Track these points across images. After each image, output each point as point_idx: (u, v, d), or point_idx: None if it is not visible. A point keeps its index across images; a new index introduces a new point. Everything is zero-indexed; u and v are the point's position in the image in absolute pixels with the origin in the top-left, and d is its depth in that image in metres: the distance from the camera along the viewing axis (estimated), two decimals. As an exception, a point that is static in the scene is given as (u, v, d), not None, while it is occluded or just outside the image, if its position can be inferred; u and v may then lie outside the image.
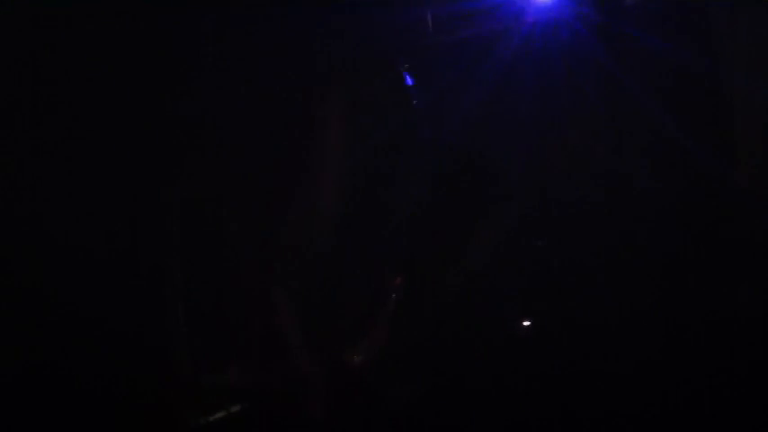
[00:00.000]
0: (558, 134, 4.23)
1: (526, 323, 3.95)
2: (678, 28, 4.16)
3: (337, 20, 3.68)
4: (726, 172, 4.12)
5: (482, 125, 4.06)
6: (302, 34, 3.77)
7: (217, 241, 4.13)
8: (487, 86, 4.07)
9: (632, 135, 4.23)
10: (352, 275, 3.42)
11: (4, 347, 3.83)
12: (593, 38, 4.13)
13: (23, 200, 3.94)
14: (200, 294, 4.11)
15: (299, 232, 3.55)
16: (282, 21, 3.82)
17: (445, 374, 3.42)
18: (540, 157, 4.20)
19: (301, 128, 3.53)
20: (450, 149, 3.63)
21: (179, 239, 4.17)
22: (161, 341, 4.08)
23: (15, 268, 3.90)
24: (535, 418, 3.63)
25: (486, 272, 3.58)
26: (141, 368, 3.98)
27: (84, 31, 3.92)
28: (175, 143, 4.16)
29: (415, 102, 3.76)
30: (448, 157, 3.58)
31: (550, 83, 4.13)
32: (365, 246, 3.39)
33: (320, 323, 3.47)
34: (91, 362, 3.95)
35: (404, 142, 3.52)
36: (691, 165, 4.12)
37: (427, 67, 4.07)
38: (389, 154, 3.48)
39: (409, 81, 3.82)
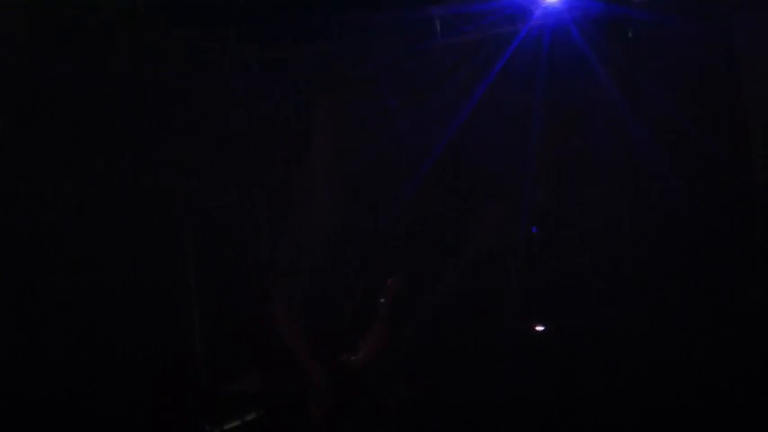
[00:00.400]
0: (571, 135, 4.20)
1: (539, 327, 3.94)
2: (696, 28, 4.12)
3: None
4: (741, 171, 4.07)
5: (490, 127, 4.06)
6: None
7: (225, 251, 4.18)
8: (495, 89, 4.06)
9: (647, 135, 4.19)
10: (351, 279, 3.42)
11: (19, 350, 3.86)
12: (605, 38, 4.10)
13: (43, 207, 3.98)
14: (208, 301, 4.15)
15: (299, 239, 3.56)
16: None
17: (446, 376, 3.40)
18: (551, 159, 4.17)
19: (298, 137, 3.56)
20: (453, 152, 3.61)
21: (190, 249, 4.23)
22: (170, 347, 4.11)
23: (31, 273, 3.95)
24: (537, 421, 3.61)
25: (489, 274, 3.55)
26: (152, 374, 4.02)
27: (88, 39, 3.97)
28: (184, 154, 4.22)
29: (413, 105, 3.77)
30: (450, 159, 3.56)
31: (560, 84, 4.11)
32: (363, 250, 3.38)
33: (320, 327, 3.48)
34: (105, 366, 3.99)
35: (400, 146, 3.52)
36: (706, 165, 4.07)
37: (433, 69, 4.08)
38: (384, 158, 3.47)
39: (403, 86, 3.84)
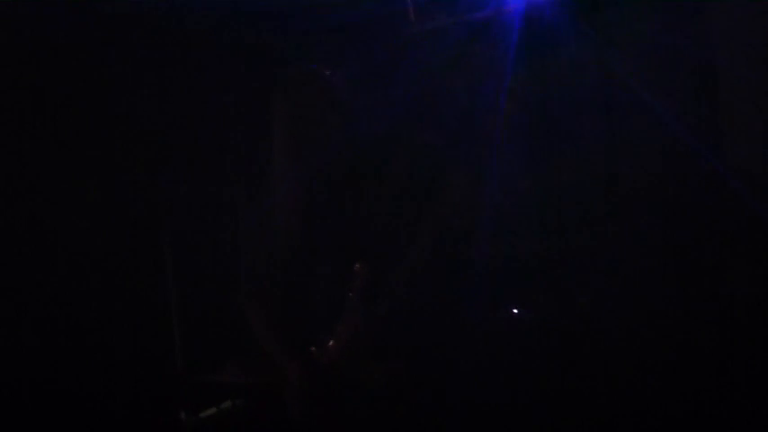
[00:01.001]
0: (544, 120, 4.20)
1: (515, 311, 3.96)
2: (671, 15, 4.10)
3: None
4: (717, 160, 4.06)
5: (463, 117, 4.06)
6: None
7: (203, 239, 4.19)
8: (468, 78, 4.06)
9: (624, 124, 4.18)
10: (320, 268, 3.42)
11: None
12: (578, 24, 4.09)
13: (20, 199, 3.99)
14: (185, 289, 4.17)
15: (274, 228, 3.56)
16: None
17: (421, 358, 3.40)
18: (528, 148, 4.18)
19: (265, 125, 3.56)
20: (419, 136, 3.60)
21: (167, 236, 4.24)
22: (146, 335, 4.13)
23: (11, 267, 3.96)
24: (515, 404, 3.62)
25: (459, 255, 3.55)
26: (128, 361, 4.04)
27: (82, 30, 3.98)
28: (166, 144, 4.23)
29: (385, 91, 3.77)
30: (415, 143, 3.55)
31: (532, 69, 4.11)
32: (335, 237, 3.38)
33: (291, 318, 3.48)
34: (85, 361, 4.01)
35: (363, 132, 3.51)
36: (682, 153, 4.07)
37: (404, 56, 4.07)
38: (358, 144, 3.46)
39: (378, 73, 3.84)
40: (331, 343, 3.37)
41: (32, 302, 4.00)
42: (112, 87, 4.04)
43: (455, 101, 4.05)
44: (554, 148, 4.21)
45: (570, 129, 4.19)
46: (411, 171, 3.42)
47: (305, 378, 3.32)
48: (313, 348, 3.39)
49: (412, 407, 3.39)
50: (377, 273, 3.34)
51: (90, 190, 4.12)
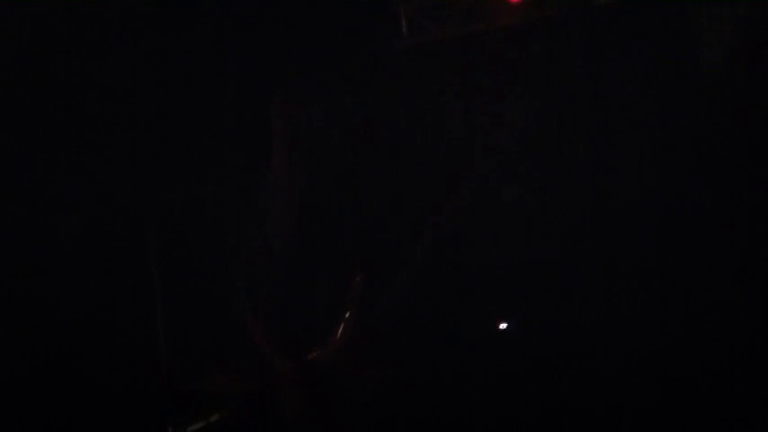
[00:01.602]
0: (543, 132, 4.23)
1: (503, 324, 3.96)
2: (657, 23, 4.16)
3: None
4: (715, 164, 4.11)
5: (462, 126, 4.08)
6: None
7: (191, 248, 4.15)
8: (465, 87, 4.09)
9: (615, 131, 4.22)
10: (318, 276, 3.42)
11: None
12: (569, 36, 4.14)
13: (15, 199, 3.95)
14: (172, 298, 4.12)
15: (266, 235, 3.56)
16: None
17: (414, 362, 3.40)
18: (523, 154, 4.21)
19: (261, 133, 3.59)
20: (414, 147, 3.64)
21: (155, 246, 4.19)
22: (141, 343, 4.07)
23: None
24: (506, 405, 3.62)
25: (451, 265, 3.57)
26: (113, 372, 3.98)
27: (84, 32, 3.97)
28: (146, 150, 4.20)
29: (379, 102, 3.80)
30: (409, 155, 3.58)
31: (531, 81, 4.15)
32: (329, 245, 3.39)
33: (288, 324, 3.46)
34: (65, 364, 3.95)
35: (364, 143, 3.54)
36: (671, 158, 4.11)
37: (404, 66, 4.10)
38: (349, 155, 3.50)
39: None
40: (329, 346, 3.36)
41: (14, 312, 3.95)
42: (111, 87, 4.02)
43: (453, 110, 4.06)
44: (553, 155, 4.23)
45: (566, 136, 4.22)
46: (409, 178, 3.44)
47: (302, 381, 3.30)
48: (311, 354, 3.37)
49: (408, 410, 3.39)
50: (375, 278, 3.35)
51: (77, 196, 4.10)
